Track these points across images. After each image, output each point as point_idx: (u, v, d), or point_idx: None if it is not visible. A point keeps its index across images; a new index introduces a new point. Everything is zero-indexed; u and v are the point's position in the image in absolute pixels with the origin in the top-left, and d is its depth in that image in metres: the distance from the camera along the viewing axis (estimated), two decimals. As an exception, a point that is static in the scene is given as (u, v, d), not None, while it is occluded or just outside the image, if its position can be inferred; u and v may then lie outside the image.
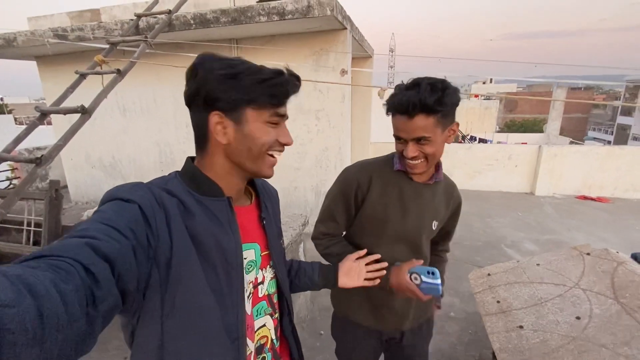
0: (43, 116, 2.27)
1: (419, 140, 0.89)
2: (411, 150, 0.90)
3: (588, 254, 1.66)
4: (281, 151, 0.68)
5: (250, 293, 0.70)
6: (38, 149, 5.77)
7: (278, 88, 0.62)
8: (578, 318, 1.34)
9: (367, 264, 1.00)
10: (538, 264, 1.75)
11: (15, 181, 5.28)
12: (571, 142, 11.36)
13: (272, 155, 0.67)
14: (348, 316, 1.19)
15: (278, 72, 0.63)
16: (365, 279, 0.98)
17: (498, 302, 1.59)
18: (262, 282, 0.74)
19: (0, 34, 3.65)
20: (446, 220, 1.15)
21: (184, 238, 0.57)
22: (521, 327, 1.39)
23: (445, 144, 0.94)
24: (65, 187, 5.03)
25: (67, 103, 2.26)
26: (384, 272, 0.99)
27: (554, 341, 1.28)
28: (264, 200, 0.78)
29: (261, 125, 0.63)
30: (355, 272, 0.97)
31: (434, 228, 1.09)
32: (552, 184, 5.95)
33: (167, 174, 0.67)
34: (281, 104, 0.65)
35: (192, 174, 0.65)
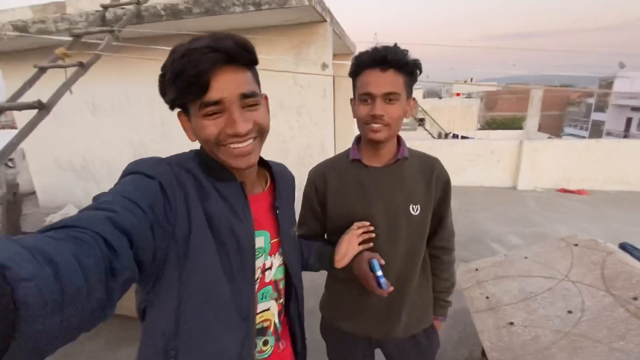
0: (-4, 113, 2.08)
1: (388, 97, 0.86)
2: (379, 107, 0.86)
3: (576, 244, 1.61)
4: (240, 140, 0.60)
5: (257, 278, 0.70)
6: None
7: (185, 74, 0.53)
8: (570, 312, 1.28)
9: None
10: (526, 257, 1.70)
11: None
12: (549, 138, 11.65)
13: (229, 147, 0.60)
14: (334, 322, 1.10)
15: (182, 55, 0.53)
16: (360, 244, 0.95)
17: (487, 297, 1.52)
18: (269, 268, 0.74)
19: (-46, 28, 3.38)
20: (435, 203, 1.01)
21: (200, 217, 0.58)
22: (512, 323, 1.32)
23: (405, 119, 0.93)
24: (34, 192, 4.74)
25: (26, 99, 2.07)
26: (374, 235, 0.95)
27: (546, 337, 1.22)
28: (279, 187, 0.77)
29: (200, 120, 0.58)
30: (350, 244, 0.93)
31: (414, 212, 0.97)
32: (533, 177, 6.05)
33: (186, 152, 0.66)
34: (201, 91, 0.55)
35: (204, 158, 0.65)
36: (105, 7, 2.81)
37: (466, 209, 4.99)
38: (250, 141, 0.61)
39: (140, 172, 0.55)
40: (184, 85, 0.54)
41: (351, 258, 0.93)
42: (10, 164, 5.72)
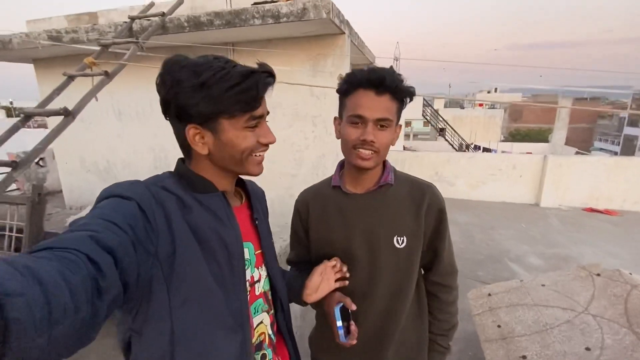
0: (27, 118, 2.19)
1: (380, 123, 0.82)
2: (370, 132, 0.81)
3: (598, 274, 1.52)
4: (265, 150, 0.68)
5: (247, 292, 0.70)
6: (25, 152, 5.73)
7: (248, 93, 0.60)
8: (588, 349, 1.20)
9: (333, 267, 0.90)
10: (543, 285, 1.61)
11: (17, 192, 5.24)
12: (577, 153, 11.15)
13: (256, 155, 0.67)
14: (317, 355, 1.06)
15: (245, 75, 0.59)
16: (336, 281, 0.89)
17: (499, 326, 1.45)
18: (258, 281, 0.75)
19: (-3, 36, 3.62)
20: (428, 234, 0.92)
21: (185, 232, 0.59)
22: (524, 357, 1.25)
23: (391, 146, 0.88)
24: (61, 191, 4.97)
25: (55, 106, 2.17)
26: (347, 273, 0.89)
27: (561, 375, 1.14)
28: (254, 201, 0.79)
29: (239, 132, 0.63)
30: (324, 279, 0.87)
31: (398, 245, 0.88)
32: (558, 195, 5.79)
33: (160, 174, 0.68)
34: (255, 107, 0.62)
35: (184, 173, 0.66)
36: (133, 19, 2.93)
37: (484, 225, 4.82)
38: (264, 155, 0.69)
39: (116, 194, 0.56)
40: (245, 99, 0.60)
41: (323, 294, 0.87)
42: (41, 163, 6.04)
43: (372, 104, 0.81)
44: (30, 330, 0.31)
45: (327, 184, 0.99)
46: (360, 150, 0.83)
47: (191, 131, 0.62)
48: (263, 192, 0.89)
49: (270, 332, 0.78)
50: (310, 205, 0.98)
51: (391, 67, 0.85)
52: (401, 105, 0.85)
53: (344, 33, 3.13)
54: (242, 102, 0.60)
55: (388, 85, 0.79)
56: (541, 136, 27.97)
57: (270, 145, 0.69)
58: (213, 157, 0.65)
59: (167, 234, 0.57)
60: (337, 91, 0.88)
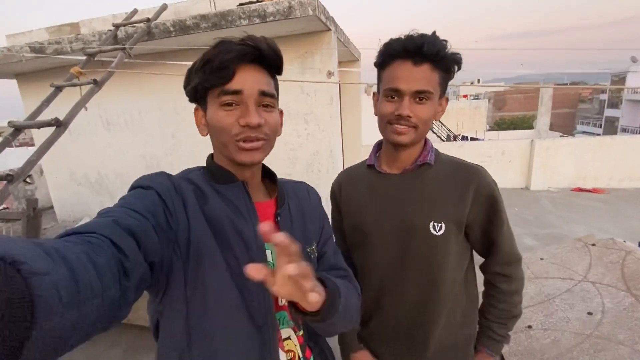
0: (17, 131, 2.16)
1: (419, 96, 0.74)
2: (407, 106, 0.73)
3: (593, 244, 1.58)
4: (250, 134, 0.59)
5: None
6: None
7: (211, 63, 0.57)
8: (590, 314, 1.25)
9: None
10: (542, 258, 1.66)
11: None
12: (561, 137, 11.43)
13: (239, 141, 0.60)
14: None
15: (216, 44, 0.58)
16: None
17: (503, 301, 1.50)
18: None
19: (-24, 52, 3.54)
20: (479, 221, 0.82)
21: (200, 221, 0.58)
22: (530, 327, 1.30)
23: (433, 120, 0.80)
24: (52, 207, 4.87)
25: (44, 118, 2.15)
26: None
27: (566, 340, 1.19)
28: (288, 200, 0.72)
29: (216, 110, 0.60)
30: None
31: (434, 231, 0.79)
32: (546, 177, 5.94)
33: (193, 167, 0.68)
34: (224, 79, 0.57)
35: (208, 165, 0.68)
36: (117, 26, 2.91)
37: (478, 211, 4.91)
38: (260, 142, 0.61)
39: (137, 186, 0.58)
40: (211, 70, 0.57)
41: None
42: (28, 180, 5.91)
43: (409, 75, 0.73)
44: (57, 308, 0.31)
45: (362, 164, 0.93)
46: (396, 125, 0.76)
47: (196, 113, 0.65)
48: (315, 196, 0.79)
49: (300, 353, 0.68)
50: (343, 187, 0.93)
51: (434, 32, 0.74)
52: (446, 75, 0.76)
53: (330, 29, 3.16)
54: (208, 72, 0.57)
55: (427, 53, 0.71)
56: (526, 123, 28.53)
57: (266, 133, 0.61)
58: (213, 141, 0.64)
59: (185, 223, 0.57)
60: (375, 64, 0.81)
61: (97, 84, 2.28)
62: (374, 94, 0.86)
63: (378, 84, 0.83)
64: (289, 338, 0.67)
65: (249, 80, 0.58)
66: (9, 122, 2.15)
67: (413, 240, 0.82)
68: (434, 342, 0.85)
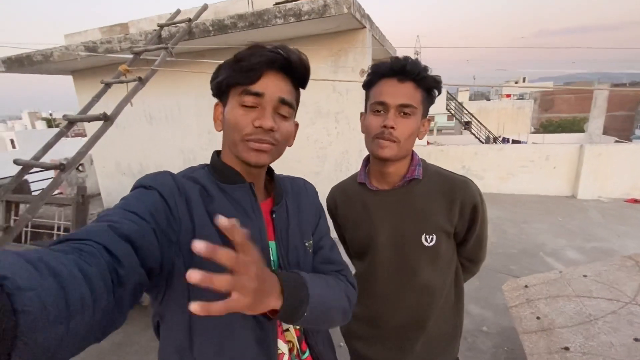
0: (70, 124, 2.35)
1: (403, 110, 0.80)
2: (392, 118, 0.79)
3: (646, 264, 1.43)
4: (262, 137, 0.60)
5: None
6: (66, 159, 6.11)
7: (240, 63, 0.59)
8: (637, 340, 1.14)
9: None
10: (585, 275, 1.54)
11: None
12: (616, 142, 10.45)
13: (249, 140, 0.61)
14: (347, 342, 1.05)
15: (250, 47, 0.59)
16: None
17: (538, 318, 1.40)
18: None
19: (40, 50, 3.90)
20: (462, 226, 0.90)
21: (205, 222, 0.58)
22: (567, 348, 1.20)
23: (417, 139, 0.86)
24: (99, 194, 5.28)
25: (94, 112, 2.32)
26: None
27: (608, 367, 1.09)
28: (286, 197, 0.73)
29: (235, 107, 0.61)
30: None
31: (427, 243, 0.86)
32: (597, 186, 5.46)
33: (196, 165, 0.68)
34: (248, 80, 0.59)
35: (215, 164, 0.67)
36: (161, 27, 3.07)
37: (516, 219, 4.63)
38: (270, 146, 0.62)
39: (140, 185, 0.57)
40: (240, 69, 0.59)
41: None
42: (80, 168, 6.43)
43: (395, 91, 0.80)
44: (43, 323, 0.30)
45: (353, 180, 0.98)
46: (379, 140, 0.81)
47: (216, 108, 0.66)
48: (312, 190, 0.81)
49: (297, 346, 0.70)
50: (338, 204, 0.98)
51: (416, 58, 0.83)
52: (427, 95, 0.83)
53: (365, 27, 3.12)
54: (236, 70, 0.59)
55: (410, 71, 0.79)
56: (576, 126, 26.42)
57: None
58: (224, 138, 0.65)
59: (188, 223, 0.56)
60: (363, 86, 0.88)
61: (142, 81, 2.42)
62: (361, 113, 0.91)
63: (365, 104, 0.88)
64: (288, 330, 0.70)
65: (272, 85, 0.60)
66: (64, 116, 2.35)
67: (407, 252, 0.88)
68: (424, 336, 0.92)
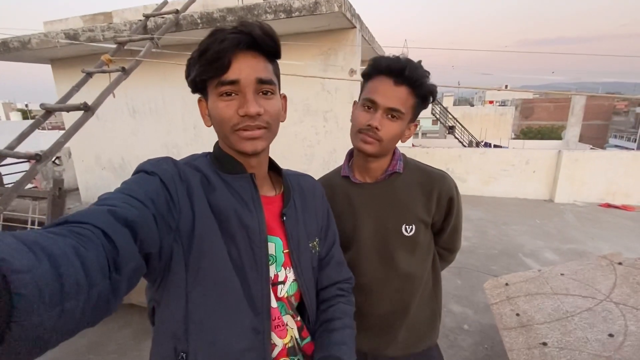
0: (47, 114, 2.25)
1: (391, 113, 0.80)
2: (378, 119, 0.80)
3: (620, 263, 1.49)
4: (251, 123, 0.59)
5: (268, 282, 0.64)
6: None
7: (210, 51, 0.56)
8: (611, 335, 1.18)
9: None
10: (562, 274, 1.59)
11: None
12: (592, 149, 10.90)
13: (238, 130, 0.60)
14: None
15: (210, 33, 0.57)
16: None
17: (517, 315, 1.44)
18: (283, 282, 0.68)
19: (17, 37, 3.73)
20: (440, 221, 0.95)
21: (205, 210, 0.57)
22: (545, 343, 1.24)
23: (400, 142, 0.88)
24: (77, 189, 5.09)
25: (74, 102, 2.23)
26: None
27: (583, 361, 1.13)
28: (294, 195, 0.72)
29: (216, 100, 0.59)
30: None
31: (407, 233, 0.90)
32: (573, 190, 5.68)
33: (199, 152, 0.68)
34: (220, 69, 0.56)
35: (217, 153, 0.66)
36: (147, 17, 2.98)
37: (497, 220, 4.76)
38: (261, 131, 0.61)
39: (142, 170, 0.56)
40: (207, 61, 0.56)
41: None
42: (57, 161, 6.19)
43: (388, 92, 0.80)
44: (38, 306, 0.30)
45: (337, 174, 0.99)
46: (364, 135, 0.83)
47: (200, 104, 0.65)
48: (319, 188, 0.81)
49: (297, 336, 0.70)
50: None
51: (420, 61, 0.81)
52: (420, 102, 0.83)
53: (355, 27, 3.13)
54: (204, 64, 0.56)
55: (407, 76, 0.77)
56: (554, 134, 27.43)
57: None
58: (216, 132, 0.63)
59: (188, 210, 0.56)
60: (362, 74, 0.88)
61: (125, 72, 2.35)
62: (355, 102, 0.92)
63: (360, 93, 0.89)
64: (287, 324, 0.70)
65: (245, 68, 0.57)
66: (41, 105, 2.24)
67: (389, 242, 0.91)
68: (407, 322, 0.95)
